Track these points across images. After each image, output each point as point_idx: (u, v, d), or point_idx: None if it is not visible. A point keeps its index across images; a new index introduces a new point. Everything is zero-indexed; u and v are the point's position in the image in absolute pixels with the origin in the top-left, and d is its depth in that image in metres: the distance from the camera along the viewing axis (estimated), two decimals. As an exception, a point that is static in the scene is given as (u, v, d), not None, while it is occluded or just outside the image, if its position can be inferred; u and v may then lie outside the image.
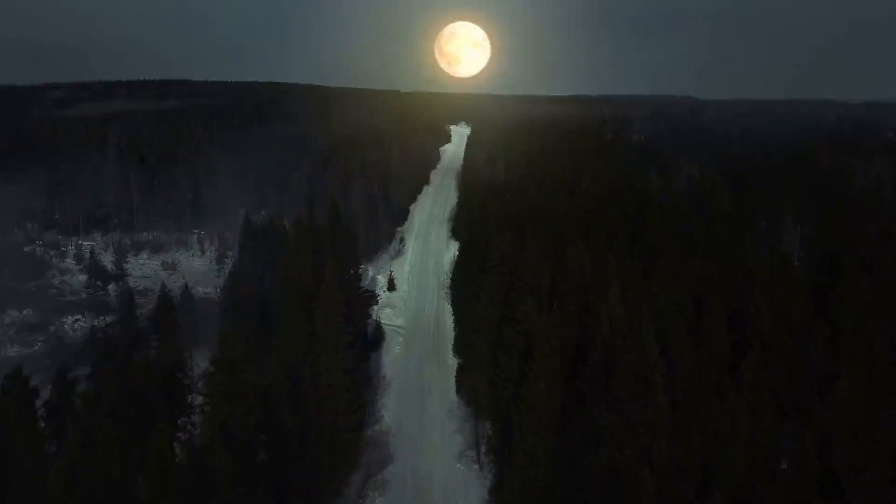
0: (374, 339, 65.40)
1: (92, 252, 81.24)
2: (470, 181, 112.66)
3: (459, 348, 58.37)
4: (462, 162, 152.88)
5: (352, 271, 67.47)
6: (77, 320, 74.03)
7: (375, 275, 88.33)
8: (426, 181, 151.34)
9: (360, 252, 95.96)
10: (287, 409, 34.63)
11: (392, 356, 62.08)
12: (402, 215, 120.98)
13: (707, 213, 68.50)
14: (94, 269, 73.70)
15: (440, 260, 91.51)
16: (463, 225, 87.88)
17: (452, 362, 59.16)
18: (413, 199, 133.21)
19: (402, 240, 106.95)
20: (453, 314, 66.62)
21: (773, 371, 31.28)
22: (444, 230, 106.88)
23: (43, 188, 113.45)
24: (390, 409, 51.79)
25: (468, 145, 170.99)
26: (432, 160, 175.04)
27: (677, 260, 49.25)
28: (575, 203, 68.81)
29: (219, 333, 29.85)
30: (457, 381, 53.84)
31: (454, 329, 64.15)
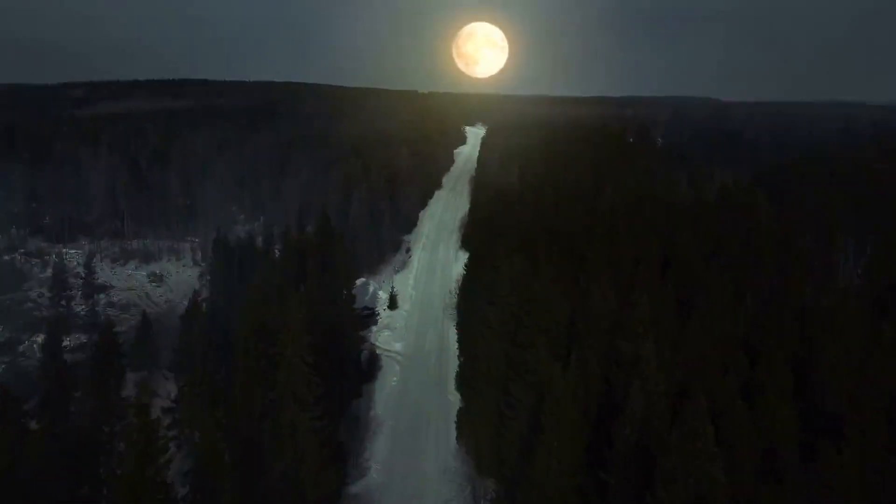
0: (368, 367, 58.33)
1: (57, 263, 74.59)
2: (481, 189, 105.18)
3: (462, 383, 51.07)
4: (476, 166, 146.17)
5: (345, 291, 60.34)
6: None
7: (377, 290, 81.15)
8: (438, 185, 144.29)
9: (362, 264, 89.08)
10: (236, 486, 27.58)
11: (387, 390, 54.84)
12: (411, 222, 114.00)
13: (746, 229, 60.49)
14: (61, 283, 67.14)
15: (448, 273, 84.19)
16: (472, 237, 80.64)
17: (455, 398, 51.99)
18: (423, 204, 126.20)
19: (408, 250, 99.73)
20: (458, 340, 59.43)
21: (864, 468, 23.66)
22: (454, 240, 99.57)
23: (38, 191, 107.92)
24: (379, 459, 44.54)
25: (482, 149, 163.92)
26: (445, 163, 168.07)
27: (718, 290, 41.56)
28: (596, 217, 61.19)
29: (135, 400, 22.87)
30: (457, 424, 46.47)
31: (458, 357, 56.89)
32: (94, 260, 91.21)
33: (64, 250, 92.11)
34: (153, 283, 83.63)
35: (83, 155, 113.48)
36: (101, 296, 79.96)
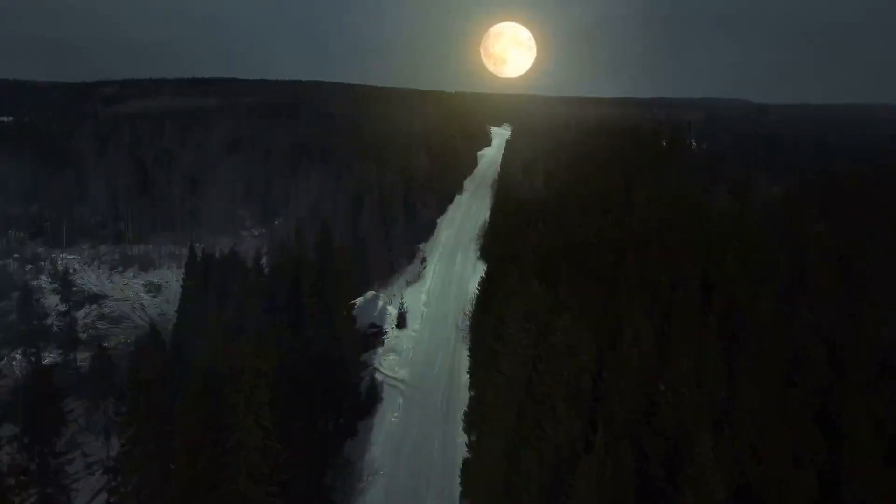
0: (367, 399, 52.22)
1: (42, 270, 69.64)
2: (503, 195, 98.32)
3: (470, 427, 44.57)
4: (499, 169, 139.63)
5: (345, 312, 54.42)
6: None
7: (386, 305, 74.98)
8: (459, 189, 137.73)
9: (372, 275, 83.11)
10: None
11: (386, 428, 48.64)
12: (428, 229, 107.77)
13: (799, 248, 53.10)
14: (29, 293, 62.08)
15: (464, 288, 77.56)
16: (489, 252, 74.25)
17: (463, 440, 45.51)
18: (442, 210, 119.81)
19: (423, 260, 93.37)
20: (469, 370, 52.97)
21: None
22: (473, 249, 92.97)
23: (42, 193, 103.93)
24: (370, 518, 38.50)
25: (507, 151, 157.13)
26: (468, 166, 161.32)
27: (774, 331, 34.52)
28: (628, 232, 54.26)
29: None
30: (462, 478, 40.04)
31: (469, 391, 50.37)
32: (93, 266, 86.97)
33: (61, 255, 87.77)
34: (150, 293, 78.67)
35: (91, 155, 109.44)
36: (94, 306, 75.30)
